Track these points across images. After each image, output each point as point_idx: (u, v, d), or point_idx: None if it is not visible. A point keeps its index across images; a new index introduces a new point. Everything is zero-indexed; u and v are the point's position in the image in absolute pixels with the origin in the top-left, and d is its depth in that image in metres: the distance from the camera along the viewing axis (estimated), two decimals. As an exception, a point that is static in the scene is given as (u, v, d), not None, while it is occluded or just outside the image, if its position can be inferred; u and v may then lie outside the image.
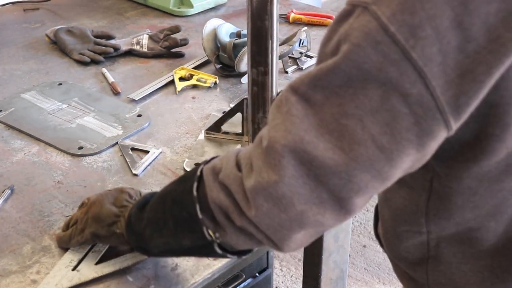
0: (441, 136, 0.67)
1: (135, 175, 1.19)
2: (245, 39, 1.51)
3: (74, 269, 0.95)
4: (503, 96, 0.68)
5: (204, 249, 0.81)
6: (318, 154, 0.66)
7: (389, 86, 0.64)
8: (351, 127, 0.66)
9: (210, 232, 0.78)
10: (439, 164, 0.78)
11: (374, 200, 0.93)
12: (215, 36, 1.56)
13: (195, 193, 0.78)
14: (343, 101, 0.66)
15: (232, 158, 0.76)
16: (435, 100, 0.64)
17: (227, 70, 1.56)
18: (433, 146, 0.68)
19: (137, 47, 1.67)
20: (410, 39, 0.63)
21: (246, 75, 1.24)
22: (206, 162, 0.81)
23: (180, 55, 1.66)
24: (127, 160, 1.23)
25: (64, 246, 1.00)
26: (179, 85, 1.50)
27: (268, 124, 0.72)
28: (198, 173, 0.79)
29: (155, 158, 1.24)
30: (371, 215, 2.59)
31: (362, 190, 0.68)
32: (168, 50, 1.67)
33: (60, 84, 1.52)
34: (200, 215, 0.78)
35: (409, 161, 0.68)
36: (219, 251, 0.80)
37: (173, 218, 0.82)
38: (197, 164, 1.20)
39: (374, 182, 0.68)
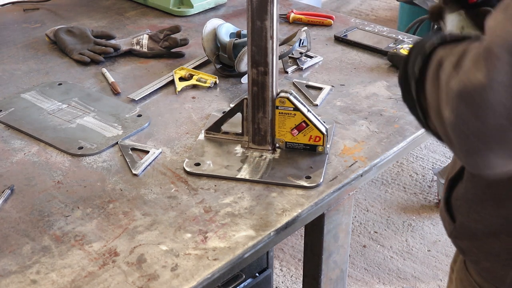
0: None
1: (135, 175, 1.19)
2: (245, 39, 1.51)
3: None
4: None
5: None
6: None
7: None
8: None
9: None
10: None
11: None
12: (215, 36, 1.56)
13: (417, 73, 0.80)
14: None
15: (457, 51, 0.72)
16: None
17: (227, 70, 1.56)
18: None
19: (137, 47, 1.67)
20: None
21: (246, 75, 1.24)
22: (443, 40, 0.79)
23: (180, 55, 1.66)
24: (127, 160, 1.23)
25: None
26: (179, 85, 1.50)
27: (492, 22, 0.68)
28: (428, 51, 0.79)
29: (155, 158, 1.24)
30: (371, 215, 2.59)
31: None
32: (168, 50, 1.67)
33: (60, 84, 1.52)
34: (415, 96, 0.81)
35: None
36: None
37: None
38: (197, 164, 1.21)
39: None
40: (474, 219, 0.91)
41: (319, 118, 1.23)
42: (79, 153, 1.25)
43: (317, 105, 1.42)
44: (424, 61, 0.79)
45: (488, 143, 0.66)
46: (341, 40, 1.74)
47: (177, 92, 1.48)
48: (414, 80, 0.80)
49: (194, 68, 1.59)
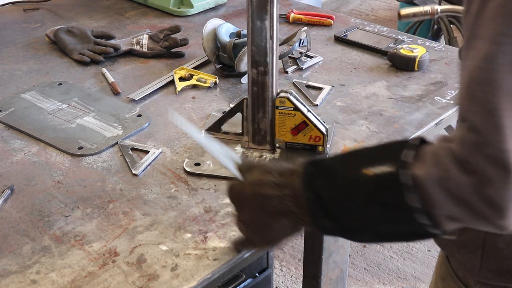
0: None
1: (135, 175, 1.19)
2: (245, 39, 1.51)
3: None
4: None
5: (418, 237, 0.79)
6: None
7: None
8: None
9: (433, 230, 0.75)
10: None
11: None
12: (215, 36, 1.56)
13: (416, 205, 0.74)
14: None
15: (449, 161, 0.71)
16: None
17: (227, 70, 1.56)
18: None
19: (137, 47, 1.67)
20: None
21: (246, 75, 1.24)
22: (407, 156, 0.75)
23: (180, 55, 1.66)
24: (127, 160, 1.23)
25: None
26: (179, 85, 1.50)
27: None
28: (410, 182, 0.73)
29: (155, 158, 1.24)
30: (371, 215, 2.59)
31: None
32: (168, 50, 1.67)
33: (60, 84, 1.52)
34: (420, 220, 0.74)
35: None
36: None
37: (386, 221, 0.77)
38: (197, 164, 1.20)
39: None
40: None
41: (319, 118, 1.23)
42: (79, 153, 1.25)
43: (317, 105, 1.42)
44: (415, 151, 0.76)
45: None
46: (341, 40, 1.74)
47: (177, 92, 1.48)
48: (404, 170, 0.74)
49: (194, 68, 1.58)
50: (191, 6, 1.93)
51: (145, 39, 1.68)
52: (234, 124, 1.27)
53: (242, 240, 0.95)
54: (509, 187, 0.68)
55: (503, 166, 0.67)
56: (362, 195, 0.77)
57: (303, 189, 0.81)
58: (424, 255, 2.42)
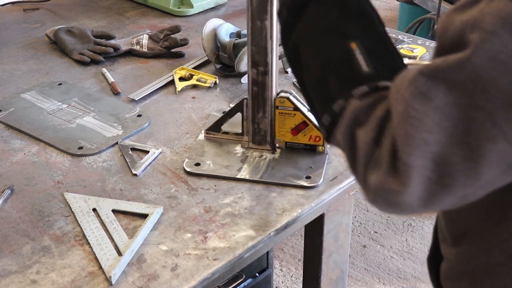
0: None
1: (135, 175, 1.19)
2: (245, 39, 1.51)
3: None
4: None
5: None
6: (443, 152, 0.61)
7: None
8: (480, 121, 0.59)
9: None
10: None
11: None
12: (215, 36, 1.56)
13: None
14: (471, 93, 0.59)
15: (375, 121, 0.69)
16: None
17: (227, 70, 1.56)
18: None
19: (137, 47, 1.67)
20: None
21: (246, 75, 1.24)
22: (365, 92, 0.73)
23: (180, 55, 1.66)
24: (127, 160, 1.23)
25: None
26: (179, 85, 1.50)
27: (392, 111, 0.65)
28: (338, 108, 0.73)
29: (155, 158, 1.24)
30: (371, 215, 2.59)
31: (489, 186, 0.64)
32: (168, 50, 1.67)
33: (60, 84, 1.52)
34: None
35: None
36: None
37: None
38: (197, 164, 1.20)
39: (505, 176, 0.63)
40: None
41: (319, 118, 1.23)
42: (79, 153, 1.25)
43: (317, 105, 1.42)
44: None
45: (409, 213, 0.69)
46: (341, 40, 1.73)
47: (177, 92, 1.48)
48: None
49: (194, 68, 1.59)
50: (191, 6, 1.93)
51: (145, 39, 1.68)
52: (234, 124, 1.27)
53: None
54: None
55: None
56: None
57: None
58: (424, 255, 2.42)
